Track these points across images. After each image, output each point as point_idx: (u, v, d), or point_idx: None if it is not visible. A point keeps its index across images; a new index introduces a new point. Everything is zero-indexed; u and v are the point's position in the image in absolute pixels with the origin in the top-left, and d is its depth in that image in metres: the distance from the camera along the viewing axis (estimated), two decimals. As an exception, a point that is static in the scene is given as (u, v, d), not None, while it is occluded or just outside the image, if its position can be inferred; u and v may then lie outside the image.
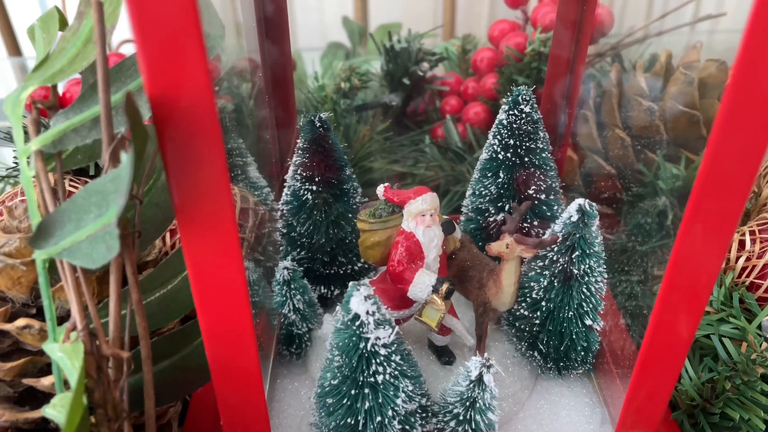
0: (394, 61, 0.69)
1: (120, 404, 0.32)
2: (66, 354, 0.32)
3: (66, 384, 0.35)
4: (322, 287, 0.51)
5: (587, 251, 0.41)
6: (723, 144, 0.28)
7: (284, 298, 0.46)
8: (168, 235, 0.51)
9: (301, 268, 0.48)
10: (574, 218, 0.40)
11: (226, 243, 0.29)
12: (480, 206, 0.49)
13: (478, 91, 0.71)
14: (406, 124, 0.73)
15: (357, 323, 0.36)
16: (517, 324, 0.46)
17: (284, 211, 0.50)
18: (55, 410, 0.32)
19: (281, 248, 0.51)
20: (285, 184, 0.50)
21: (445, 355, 0.46)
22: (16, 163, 0.58)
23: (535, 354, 0.45)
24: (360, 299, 0.35)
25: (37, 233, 0.31)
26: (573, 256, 0.41)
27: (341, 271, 0.51)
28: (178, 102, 0.25)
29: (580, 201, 0.40)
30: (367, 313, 0.36)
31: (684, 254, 0.31)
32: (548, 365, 0.45)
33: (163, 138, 0.25)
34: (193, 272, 0.30)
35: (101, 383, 0.32)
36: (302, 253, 0.50)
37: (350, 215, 0.49)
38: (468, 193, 0.51)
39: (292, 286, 0.46)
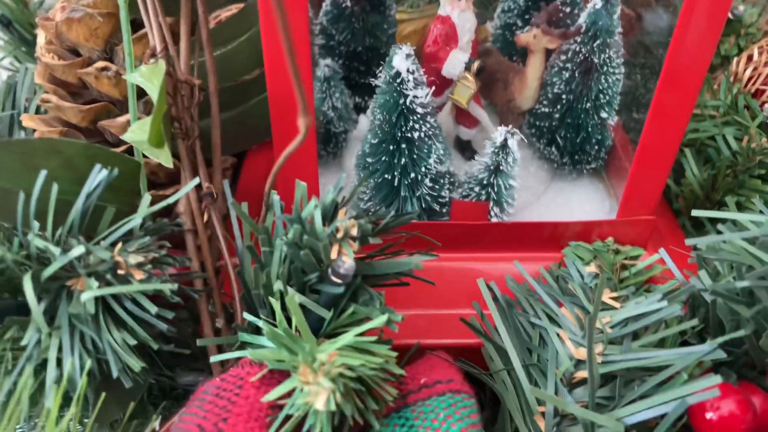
0: None
1: (192, 124, 0.37)
2: (145, 77, 0.36)
3: (143, 102, 0.39)
4: (357, 97, 0.55)
5: (608, 40, 0.44)
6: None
7: (324, 95, 0.50)
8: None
9: (340, 72, 0.52)
10: (599, 5, 0.44)
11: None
12: (508, 21, 0.53)
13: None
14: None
15: (398, 80, 0.40)
16: (537, 123, 0.50)
17: (324, 22, 0.53)
18: (133, 134, 0.37)
19: (320, 54, 0.55)
20: (325, -5, 0.53)
21: (468, 151, 0.51)
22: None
23: (553, 149, 0.50)
24: (402, 57, 0.40)
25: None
26: (594, 45, 0.45)
27: (374, 82, 0.55)
28: None
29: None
30: (408, 71, 0.40)
31: (682, 40, 0.35)
32: (564, 160, 0.50)
33: None
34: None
35: (177, 103, 0.36)
36: (339, 61, 0.54)
37: (385, 26, 0.53)
38: (497, 12, 0.54)
39: (332, 83, 0.50)
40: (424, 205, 0.44)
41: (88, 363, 0.29)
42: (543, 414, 0.33)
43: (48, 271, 0.29)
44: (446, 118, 0.51)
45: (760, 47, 0.49)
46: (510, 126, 0.42)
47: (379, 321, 0.29)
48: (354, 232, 0.31)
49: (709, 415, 0.31)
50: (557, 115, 0.48)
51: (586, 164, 0.50)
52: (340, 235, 0.31)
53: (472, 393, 0.32)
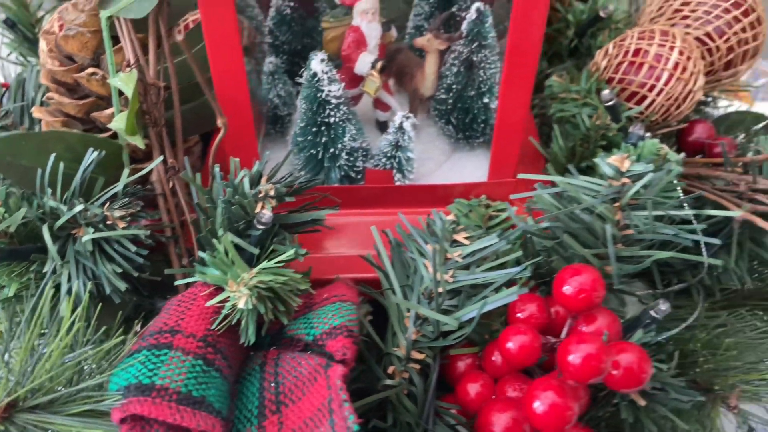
0: None
1: (159, 116, 0.50)
2: (124, 81, 0.49)
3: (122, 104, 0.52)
4: (298, 87, 0.68)
5: (483, 43, 0.57)
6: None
7: (270, 86, 0.63)
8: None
9: (283, 68, 0.64)
10: (473, 17, 0.56)
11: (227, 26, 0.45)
12: (417, 24, 0.65)
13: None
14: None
15: (315, 79, 0.53)
16: (438, 107, 0.63)
17: (270, 26, 0.66)
18: (116, 123, 0.50)
19: (269, 54, 0.67)
20: (270, 4, 0.65)
21: (385, 129, 0.64)
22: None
23: (450, 127, 0.63)
24: (317, 61, 0.52)
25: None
26: (473, 47, 0.57)
27: (298, 80, 0.67)
28: None
29: (477, 4, 0.56)
30: (322, 71, 0.53)
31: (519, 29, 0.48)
32: (459, 136, 0.63)
33: None
34: (208, 33, 0.46)
35: (147, 100, 0.49)
36: (284, 57, 0.66)
37: (319, 28, 0.65)
38: (411, 15, 0.67)
39: (276, 76, 0.63)
40: (343, 173, 0.58)
41: (89, 284, 0.43)
42: (409, 318, 0.47)
43: (59, 222, 0.43)
44: (368, 103, 0.64)
45: (614, 42, 0.62)
46: (407, 112, 0.56)
47: (287, 254, 0.43)
48: (272, 193, 0.44)
49: (518, 315, 0.45)
50: (451, 101, 0.61)
51: (476, 139, 0.63)
52: (261, 195, 0.44)
53: (357, 303, 0.46)
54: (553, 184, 0.48)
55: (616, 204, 0.46)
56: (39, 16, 0.78)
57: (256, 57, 0.67)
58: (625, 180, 0.46)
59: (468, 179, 0.62)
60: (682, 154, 0.49)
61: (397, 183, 0.58)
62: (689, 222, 0.49)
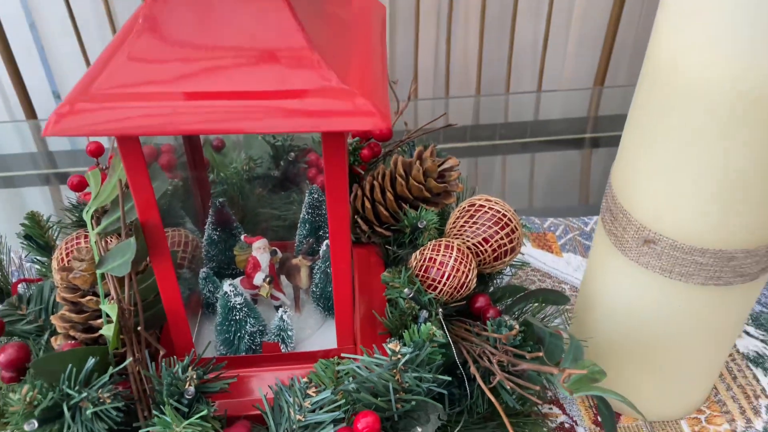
0: (275, 149, 1.21)
1: (130, 327, 0.84)
2: (109, 308, 0.83)
3: (108, 320, 0.86)
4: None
5: (332, 262, 0.93)
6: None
7: (203, 286, 0.98)
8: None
9: (212, 272, 0.99)
10: (324, 248, 0.92)
11: (165, 270, 0.80)
12: (301, 240, 1.02)
13: (326, 165, 1.23)
14: (288, 186, 1.25)
15: (226, 294, 0.88)
16: (312, 294, 0.98)
17: (205, 244, 1.02)
18: (105, 330, 0.84)
19: (204, 262, 1.03)
20: (205, 229, 1.01)
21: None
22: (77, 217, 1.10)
23: (321, 307, 0.98)
24: (227, 284, 0.88)
25: (99, 263, 0.83)
26: (327, 264, 0.93)
27: (233, 274, 1.03)
28: (147, 218, 0.76)
29: (327, 240, 0.92)
30: (230, 291, 0.88)
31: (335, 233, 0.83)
32: (326, 313, 0.98)
33: (144, 232, 0.77)
34: (158, 275, 0.81)
35: (123, 316, 0.83)
36: (213, 265, 1.02)
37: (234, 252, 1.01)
38: (297, 233, 1.03)
39: (207, 280, 0.98)
40: (247, 347, 0.92)
41: (89, 437, 0.76)
42: (279, 444, 0.79)
43: (72, 402, 0.76)
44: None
45: (420, 251, 0.98)
46: (286, 308, 0.91)
47: (203, 413, 0.76)
48: (194, 376, 0.78)
49: (339, 440, 0.78)
50: (319, 292, 0.97)
51: (337, 315, 0.98)
52: (188, 378, 0.78)
53: (246, 438, 0.78)
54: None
55: (394, 370, 0.80)
56: (49, 232, 1.13)
57: (197, 262, 1.03)
58: (399, 356, 0.80)
59: (332, 343, 0.96)
60: (442, 333, 0.84)
61: (283, 351, 0.92)
62: (456, 370, 0.83)
